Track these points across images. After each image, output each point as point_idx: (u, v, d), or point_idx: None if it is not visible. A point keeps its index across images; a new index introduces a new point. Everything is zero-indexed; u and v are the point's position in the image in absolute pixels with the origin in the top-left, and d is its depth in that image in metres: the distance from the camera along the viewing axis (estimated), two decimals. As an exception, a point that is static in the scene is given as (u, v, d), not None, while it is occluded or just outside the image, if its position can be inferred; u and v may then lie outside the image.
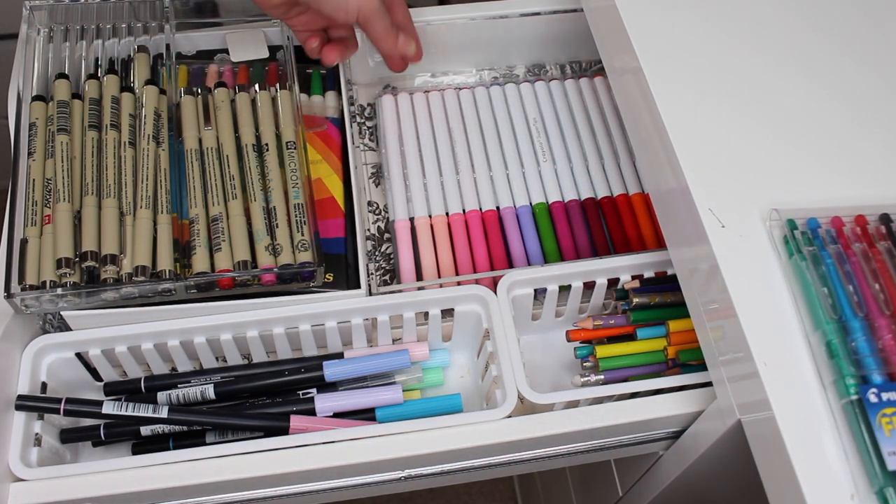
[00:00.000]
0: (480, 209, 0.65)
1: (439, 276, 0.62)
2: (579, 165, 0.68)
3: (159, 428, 0.55)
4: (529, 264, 0.63)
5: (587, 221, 0.65)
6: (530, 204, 0.66)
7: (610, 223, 0.66)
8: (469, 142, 0.69)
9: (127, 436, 0.56)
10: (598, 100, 0.72)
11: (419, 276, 0.62)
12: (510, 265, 0.63)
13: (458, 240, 0.64)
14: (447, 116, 0.70)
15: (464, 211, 0.65)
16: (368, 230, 0.66)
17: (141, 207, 0.56)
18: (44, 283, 0.53)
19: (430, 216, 0.65)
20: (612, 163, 0.68)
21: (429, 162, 0.67)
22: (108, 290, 0.54)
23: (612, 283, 0.61)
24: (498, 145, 0.69)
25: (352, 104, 0.71)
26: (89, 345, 0.56)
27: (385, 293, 0.57)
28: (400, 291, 0.58)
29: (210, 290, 0.55)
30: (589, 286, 0.60)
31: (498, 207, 0.66)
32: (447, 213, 0.65)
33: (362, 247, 0.59)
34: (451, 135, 0.69)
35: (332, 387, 0.58)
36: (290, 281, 0.56)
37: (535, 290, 0.60)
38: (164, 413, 0.54)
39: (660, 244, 0.63)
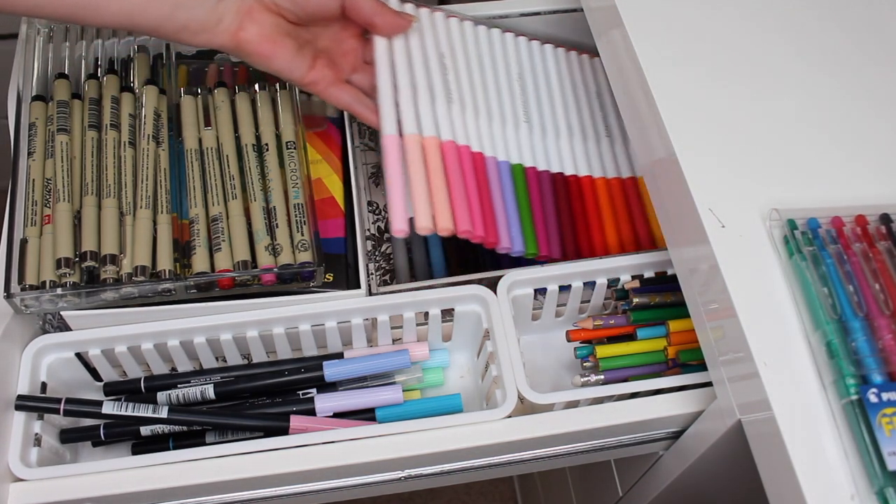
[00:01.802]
0: (470, 146, 0.60)
1: (432, 202, 0.55)
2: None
3: (159, 428, 0.55)
4: (508, 220, 0.59)
5: (556, 196, 0.63)
6: (509, 161, 0.62)
7: (574, 205, 0.64)
8: (484, 81, 0.64)
9: (127, 436, 0.56)
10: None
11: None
12: (493, 212, 0.58)
13: (451, 173, 0.57)
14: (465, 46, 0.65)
15: (455, 141, 0.59)
16: (368, 230, 0.66)
17: (141, 207, 0.56)
18: (43, 283, 0.53)
19: (420, 134, 0.58)
20: (594, 142, 0.67)
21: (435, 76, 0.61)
22: (107, 290, 0.54)
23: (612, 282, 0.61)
24: (510, 93, 0.65)
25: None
26: (89, 345, 0.56)
27: (385, 293, 0.57)
28: (400, 291, 0.58)
29: (210, 290, 0.55)
30: (589, 286, 0.60)
31: (483, 151, 0.60)
32: (439, 137, 0.58)
33: (362, 247, 0.59)
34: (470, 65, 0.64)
35: (332, 387, 0.58)
36: (290, 281, 0.56)
37: (535, 290, 0.60)
38: (163, 413, 0.54)
39: (628, 235, 0.63)
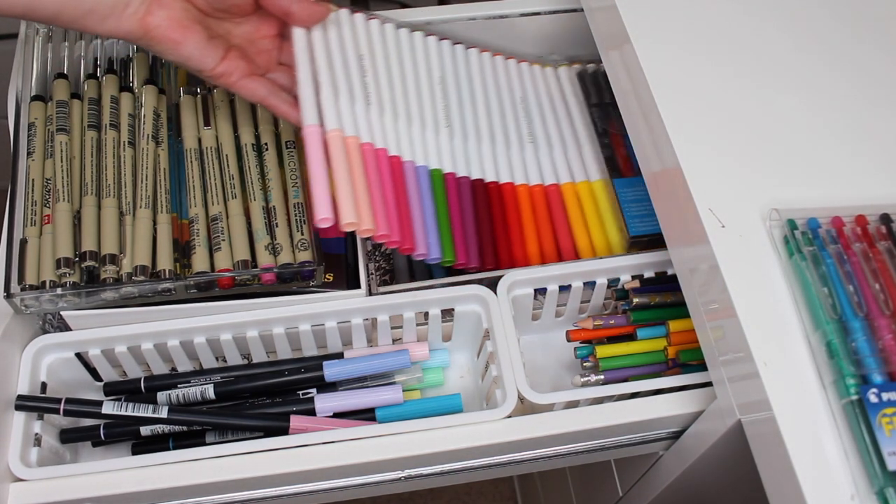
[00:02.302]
0: (387, 150, 0.59)
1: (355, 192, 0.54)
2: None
3: (159, 428, 0.55)
4: (425, 226, 0.58)
5: (475, 201, 0.62)
6: (428, 167, 0.61)
7: (494, 213, 0.62)
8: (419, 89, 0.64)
9: (127, 436, 0.56)
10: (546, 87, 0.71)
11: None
12: (409, 218, 0.57)
13: (370, 175, 0.56)
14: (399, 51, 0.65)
15: (374, 144, 0.58)
16: (368, 230, 0.66)
17: (140, 207, 0.56)
18: (43, 283, 0.53)
19: (343, 131, 0.56)
20: (517, 148, 0.66)
21: (354, 77, 0.60)
22: (107, 289, 0.54)
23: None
24: (431, 97, 0.64)
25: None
26: (89, 345, 0.55)
27: (385, 293, 0.57)
28: (400, 291, 0.58)
29: (210, 289, 0.55)
30: (589, 286, 0.60)
31: (401, 156, 0.59)
32: (359, 138, 0.57)
33: (362, 247, 0.59)
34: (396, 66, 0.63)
35: (332, 387, 0.58)
36: (290, 280, 0.56)
37: (535, 290, 0.60)
38: (163, 413, 0.54)
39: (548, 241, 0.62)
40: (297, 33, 0.58)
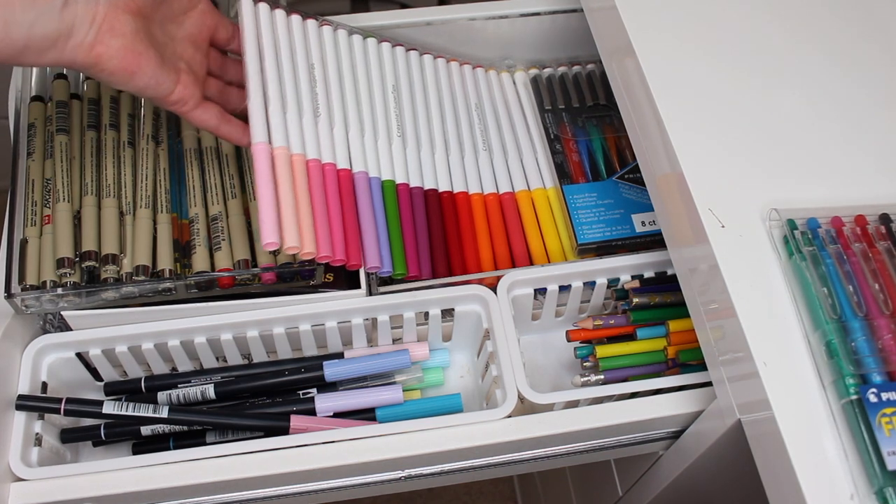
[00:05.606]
0: (335, 164, 0.58)
1: (298, 214, 0.53)
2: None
3: (160, 428, 0.55)
4: (377, 239, 0.57)
5: (427, 212, 0.61)
6: (380, 178, 0.60)
7: (447, 222, 0.62)
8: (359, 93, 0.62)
9: (127, 436, 0.56)
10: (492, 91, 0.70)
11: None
12: (357, 232, 0.57)
13: (315, 193, 0.55)
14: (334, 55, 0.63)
15: (320, 159, 0.57)
16: (368, 230, 0.66)
17: (140, 207, 0.56)
18: (44, 283, 0.53)
19: (289, 149, 0.55)
20: (471, 157, 0.66)
21: (303, 86, 0.59)
22: (108, 289, 0.54)
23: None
24: (372, 104, 0.63)
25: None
26: (89, 345, 0.56)
27: (385, 293, 0.57)
28: (400, 291, 0.58)
29: (210, 289, 0.55)
30: (589, 286, 0.60)
31: (351, 168, 0.58)
32: (305, 155, 0.56)
33: (362, 247, 0.59)
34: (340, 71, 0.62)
35: (332, 387, 0.58)
36: (290, 280, 0.56)
37: (535, 290, 0.60)
38: (164, 413, 0.54)
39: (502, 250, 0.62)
40: (248, 44, 0.56)
